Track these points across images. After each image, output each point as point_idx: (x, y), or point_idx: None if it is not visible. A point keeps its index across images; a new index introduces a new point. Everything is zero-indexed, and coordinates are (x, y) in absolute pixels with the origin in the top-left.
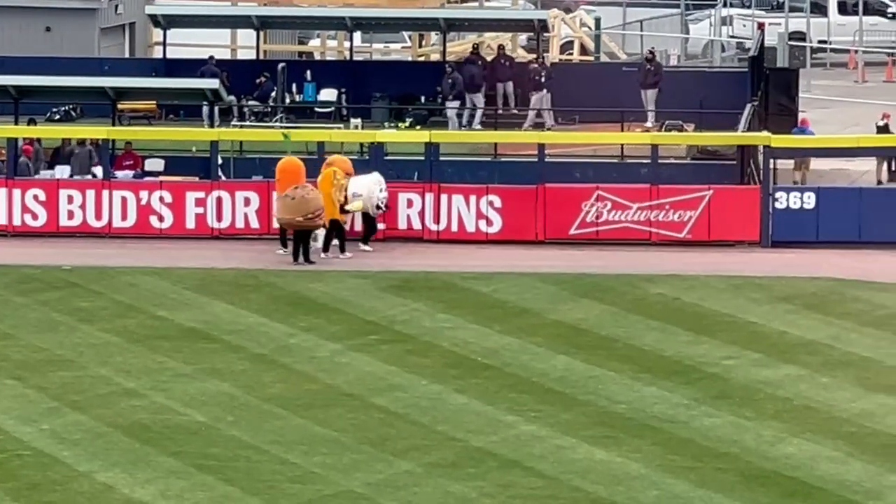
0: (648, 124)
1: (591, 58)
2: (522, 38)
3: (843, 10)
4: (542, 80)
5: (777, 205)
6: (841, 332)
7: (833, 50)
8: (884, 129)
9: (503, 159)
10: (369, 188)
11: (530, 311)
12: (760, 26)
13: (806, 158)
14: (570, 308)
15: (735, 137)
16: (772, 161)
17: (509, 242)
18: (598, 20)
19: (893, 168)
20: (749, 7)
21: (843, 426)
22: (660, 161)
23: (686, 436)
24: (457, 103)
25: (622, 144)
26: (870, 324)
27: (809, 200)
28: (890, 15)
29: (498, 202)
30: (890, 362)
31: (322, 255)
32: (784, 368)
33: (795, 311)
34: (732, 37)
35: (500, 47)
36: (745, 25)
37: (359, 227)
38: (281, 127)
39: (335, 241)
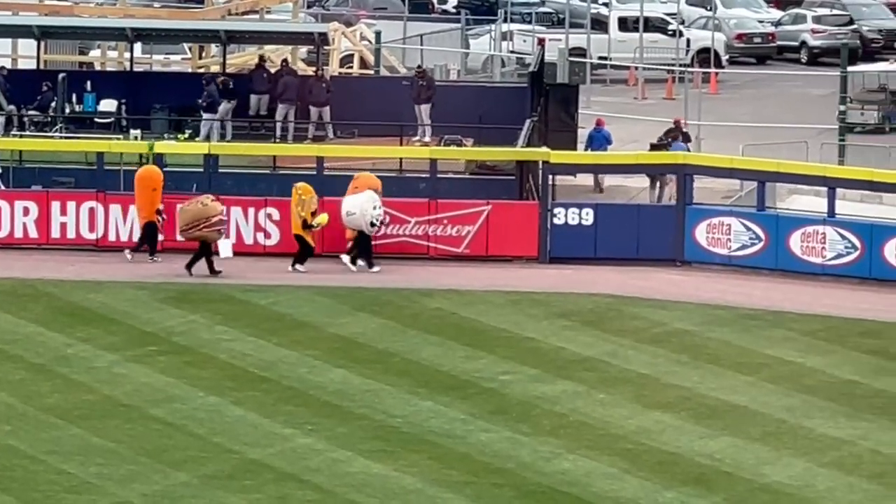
0: (426, 139)
1: (371, 71)
2: (303, 51)
3: (623, 26)
4: (322, 93)
5: (555, 220)
6: (618, 349)
7: (613, 66)
8: (659, 147)
9: (282, 172)
10: (362, 206)
11: (308, 325)
12: (541, 42)
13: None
14: (348, 322)
15: (514, 153)
16: (550, 177)
17: (287, 255)
18: (378, 34)
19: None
20: (529, 23)
21: (620, 442)
22: (438, 175)
23: (462, 451)
24: (210, 115)
25: (401, 158)
26: (647, 341)
27: (587, 216)
28: (670, 32)
29: (276, 215)
30: (666, 379)
31: (293, 267)
32: (561, 384)
33: (573, 327)
34: (513, 52)
35: (284, 61)
36: (525, 41)
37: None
38: (61, 137)
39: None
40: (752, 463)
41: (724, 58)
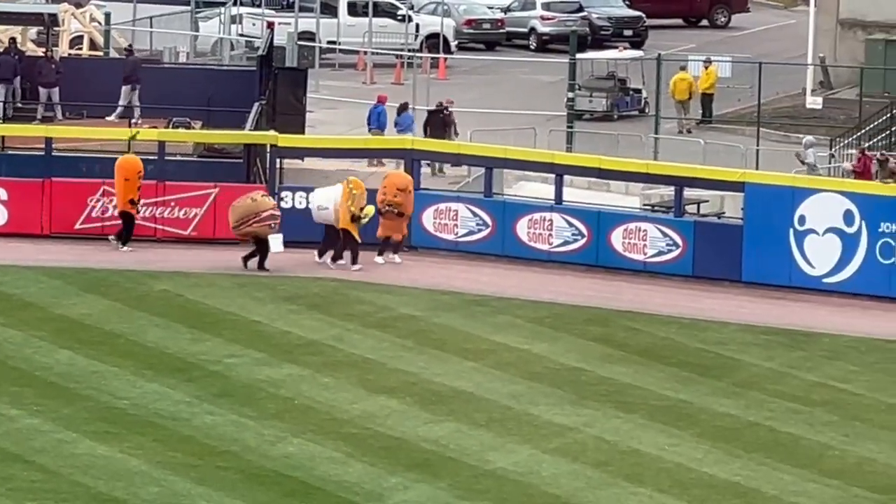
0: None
1: (101, 53)
2: (32, 31)
3: (353, 11)
4: (51, 73)
5: (283, 204)
6: (344, 333)
7: (342, 51)
8: (435, 112)
9: (11, 152)
10: (335, 200)
11: (34, 305)
12: (270, 25)
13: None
14: (75, 303)
15: (242, 136)
16: (278, 160)
17: (15, 236)
18: (108, 15)
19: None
20: (259, 6)
21: (345, 427)
22: (166, 158)
23: (187, 433)
24: None
25: (129, 140)
26: (373, 325)
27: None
28: (399, 17)
29: (4, 195)
30: (392, 364)
31: (326, 262)
32: (286, 368)
33: (299, 310)
34: (242, 35)
35: (12, 40)
36: (254, 24)
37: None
38: None
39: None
40: (476, 449)
41: (453, 43)
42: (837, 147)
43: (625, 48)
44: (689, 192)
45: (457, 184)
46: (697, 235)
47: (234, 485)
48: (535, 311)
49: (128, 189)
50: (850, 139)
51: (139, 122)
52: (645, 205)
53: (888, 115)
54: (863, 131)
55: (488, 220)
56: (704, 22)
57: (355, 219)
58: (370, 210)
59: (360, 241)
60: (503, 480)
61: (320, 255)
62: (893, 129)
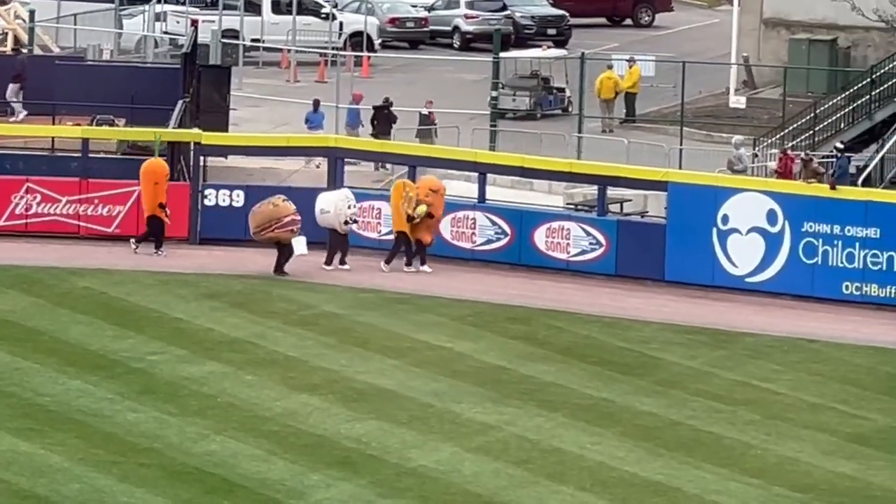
0: (19, 118)
1: (25, 50)
2: None
3: (276, 9)
4: None
5: (206, 202)
6: (266, 331)
7: (266, 48)
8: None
9: None
10: (336, 204)
11: None
12: (194, 23)
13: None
14: None
15: (166, 133)
16: (202, 158)
17: None
18: (32, 12)
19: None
20: (183, 4)
21: (267, 424)
22: (90, 155)
23: (110, 430)
24: None
25: (53, 137)
26: (295, 323)
27: (238, 198)
28: (323, 15)
29: None
30: (314, 362)
31: (384, 266)
32: (209, 365)
33: (222, 308)
34: (166, 33)
35: None
36: (178, 22)
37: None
38: None
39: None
40: (398, 447)
41: (377, 42)
42: (761, 147)
43: (548, 47)
44: (612, 192)
45: (380, 182)
46: (620, 234)
47: (155, 482)
48: (458, 310)
49: (157, 193)
50: (774, 139)
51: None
52: (568, 204)
53: (811, 114)
54: (786, 131)
55: None
56: (628, 21)
57: (410, 219)
58: (422, 209)
59: (412, 242)
60: (425, 479)
61: (328, 263)
62: (816, 128)
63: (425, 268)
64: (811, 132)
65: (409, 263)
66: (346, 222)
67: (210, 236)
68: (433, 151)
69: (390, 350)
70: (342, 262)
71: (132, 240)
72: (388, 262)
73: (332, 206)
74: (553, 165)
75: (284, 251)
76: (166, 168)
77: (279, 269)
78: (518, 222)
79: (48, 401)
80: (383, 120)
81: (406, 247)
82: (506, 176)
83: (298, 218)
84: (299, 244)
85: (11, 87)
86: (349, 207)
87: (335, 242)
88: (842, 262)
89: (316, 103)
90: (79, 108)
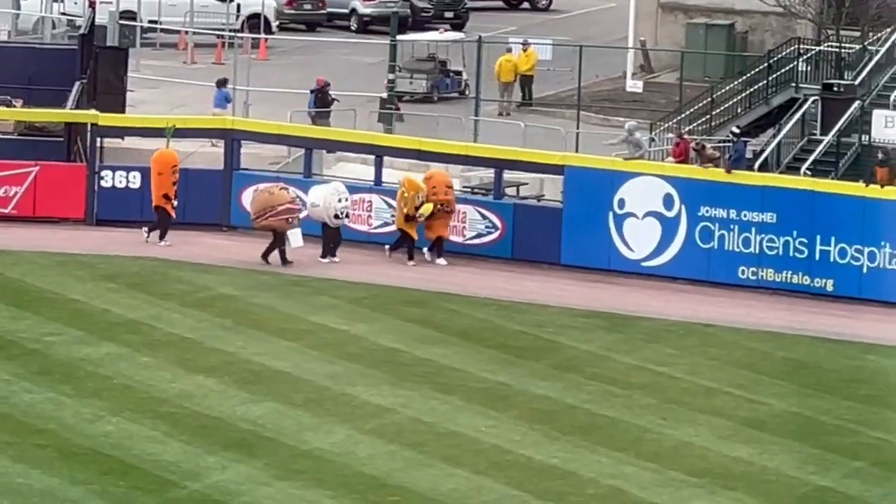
0: None
1: None
2: None
3: None
4: None
5: (103, 183)
6: (163, 312)
7: (164, 30)
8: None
9: None
10: (326, 198)
11: None
12: (91, 4)
13: None
14: None
15: (63, 114)
16: (99, 139)
17: None
18: None
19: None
20: None
21: (163, 406)
22: None
23: (5, 411)
24: None
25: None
26: (192, 304)
27: (135, 180)
28: None
29: None
30: (210, 343)
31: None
32: (105, 346)
33: (118, 289)
34: (64, 14)
35: None
36: (76, 3)
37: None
38: None
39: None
40: (294, 429)
41: (274, 24)
42: (658, 131)
43: (445, 30)
44: (508, 175)
45: (276, 164)
46: (517, 218)
47: (51, 463)
48: (354, 292)
49: (161, 183)
50: (671, 123)
51: None
52: (465, 187)
53: (708, 99)
54: (683, 115)
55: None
56: (526, 4)
57: (410, 218)
58: (427, 209)
59: (416, 238)
60: (320, 461)
61: (324, 256)
62: (713, 113)
63: (441, 260)
64: (708, 117)
65: (411, 258)
66: (336, 216)
67: (107, 217)
68: (330, 134)
69: (287, 332)
70: (332, 254)
71: (144, 229)
72: (392, 249)
73: (322, 199)
74: (450, 148)
75: (277, 240)
76: (174, 158)
77: (266, 255)
78: None
79: None
80: (320, 103)
81: (409, 244)
82: (403, 159)
83: (297, 207)
84: (295, 236)
85: None
86: (339, 201)
87: (328, 235)
88: (738, 247)
89: (222, 82)
90: None
